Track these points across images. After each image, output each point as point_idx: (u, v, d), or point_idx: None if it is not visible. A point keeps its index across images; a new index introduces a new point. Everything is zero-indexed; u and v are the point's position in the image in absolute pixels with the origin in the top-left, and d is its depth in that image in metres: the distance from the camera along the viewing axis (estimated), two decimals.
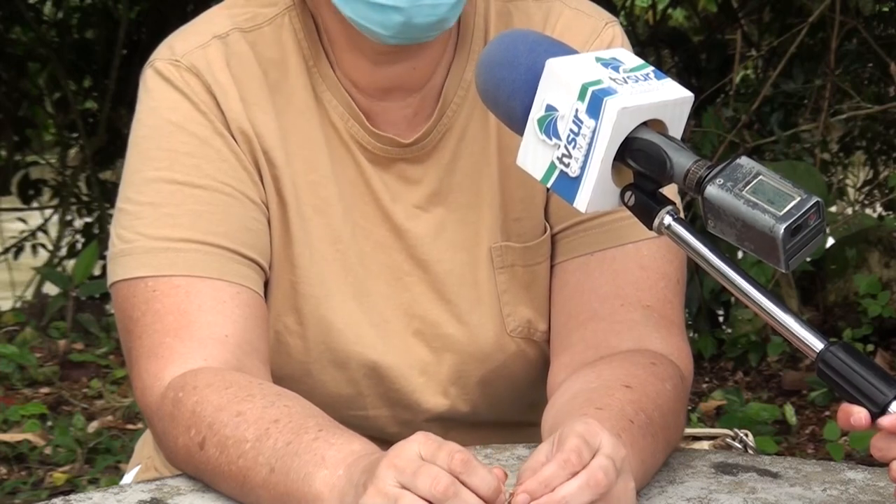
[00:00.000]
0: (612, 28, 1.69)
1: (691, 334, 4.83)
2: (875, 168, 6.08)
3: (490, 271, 1.69)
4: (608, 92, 1.37)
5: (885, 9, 5.72)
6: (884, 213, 5.73)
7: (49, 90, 6.19)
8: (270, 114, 1.64)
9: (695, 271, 4.64)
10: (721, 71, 5.44)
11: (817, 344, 1.30)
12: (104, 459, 4.01)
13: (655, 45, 5.97)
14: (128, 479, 1.85)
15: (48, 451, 4.09)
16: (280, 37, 1.66)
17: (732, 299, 4.86)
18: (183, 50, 1.64)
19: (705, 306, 4.83)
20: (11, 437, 4.13)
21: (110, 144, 5.93)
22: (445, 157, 1.67)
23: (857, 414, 1.28)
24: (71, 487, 3.85)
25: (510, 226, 1.68)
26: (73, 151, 6.19)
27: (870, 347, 4.58)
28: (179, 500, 1.49)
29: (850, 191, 6.07)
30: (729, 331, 4.91)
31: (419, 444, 1.28)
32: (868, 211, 5.77)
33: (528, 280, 1.69)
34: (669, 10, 6.50)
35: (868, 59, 5.66)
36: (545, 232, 1.69)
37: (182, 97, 1.63)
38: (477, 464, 1.27)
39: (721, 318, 5.01)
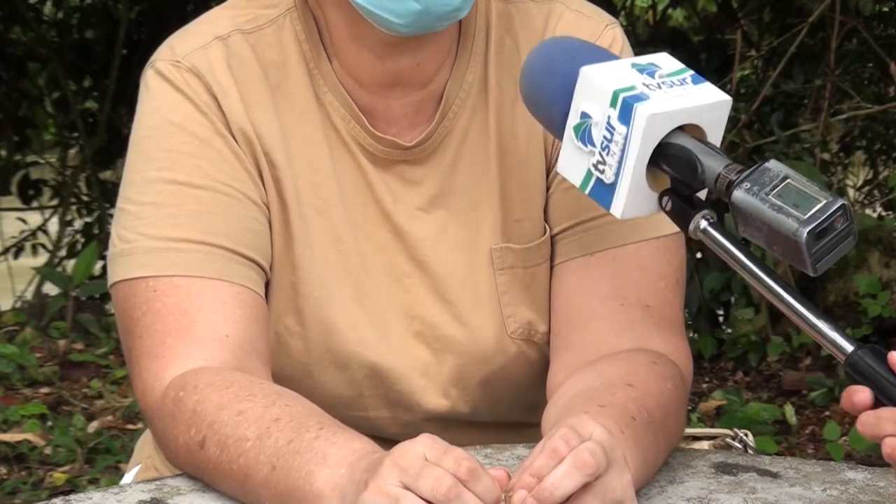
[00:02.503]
0: (613, 30, 1.69)
1: (691, 334, 4.83)
2: (875, 168, 6.07)
3: (490, 273, 1.69)
4: (639, 98, 1.37)
5: (885, 9, 5.72)
6: (884, 213, 5.73)
7: (49, 90, 6.19)
8: (271, 115, 1.64)
9: (694, 271, 4.65)
10: (721, 71, 5.43)
11: (847, 347, 1.31)
12: (104, 459, 4.01)
13: (655, 45, 5.96)
14: (128, 478, 1.85)
15: (48, 451, 4.09)
16: (281, 38, 1.66)
17: (732, 299, 4.86)
18: (184, 51, 1.64)
19: (705, 306, 4.82)
20: (11, 437, 4.13)
21: (110, 144, 5.93)
22: (447, 160, 1.67)
23: (861, 394, 1.29)
24: (71, 487, 3.85)
25: (510, 227, 1.68)
26: (73, 151, 6.19)
27: None
28: (179, 500, 1.49)
29: (850, 191, 6.07)
30: (729, 331, 4.91)
31: (424, 446, 1.28)
32: (868, 211, 5.77)
33: (529, 281, 1.69)
34: (669, 10, 6.49)
35: (868, 59, 5.66)
36: (545, 233, 1.69)
37: (183, 98, 1.63)
38: (482, 472, 1.27)
39: (721, 318, 5.01)
